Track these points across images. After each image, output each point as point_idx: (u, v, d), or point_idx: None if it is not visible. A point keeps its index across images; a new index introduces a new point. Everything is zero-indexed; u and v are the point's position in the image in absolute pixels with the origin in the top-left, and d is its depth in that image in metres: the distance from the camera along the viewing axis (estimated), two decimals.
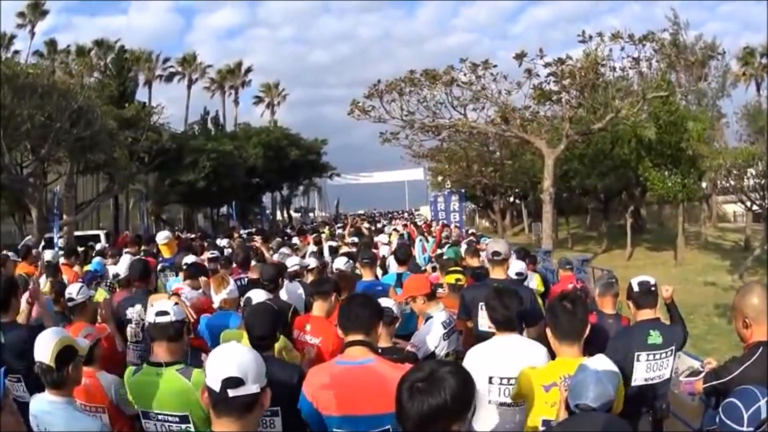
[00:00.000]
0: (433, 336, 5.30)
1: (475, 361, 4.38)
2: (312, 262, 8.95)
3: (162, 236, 11.63)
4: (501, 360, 4.34)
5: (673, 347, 4.91)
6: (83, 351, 3.83)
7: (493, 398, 4.33)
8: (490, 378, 4.31)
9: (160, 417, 3.92)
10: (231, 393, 2.60)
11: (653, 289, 5.05)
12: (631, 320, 5.88)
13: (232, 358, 2.67)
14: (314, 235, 18.32)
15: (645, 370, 4.90)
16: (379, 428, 3.65)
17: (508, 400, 4.30)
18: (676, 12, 36.29)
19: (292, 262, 8.83)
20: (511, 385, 4.26)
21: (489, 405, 4.33)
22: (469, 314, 6.13)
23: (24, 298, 5.92)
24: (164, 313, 4.01)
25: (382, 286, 7.84)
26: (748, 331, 4.05)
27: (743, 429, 3.00)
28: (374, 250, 11.04)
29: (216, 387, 2.61)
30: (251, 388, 2.63)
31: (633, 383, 4.88)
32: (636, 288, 5.02)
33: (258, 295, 5.67)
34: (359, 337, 3.86)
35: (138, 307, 6.56)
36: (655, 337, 4.89)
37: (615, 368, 3.43)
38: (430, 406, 2.46)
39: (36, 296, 6.10)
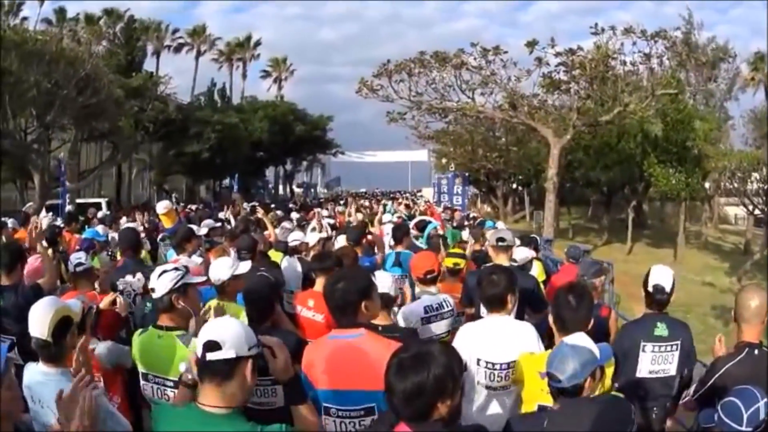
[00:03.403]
0: (412, 318, 5.27)
1: (464, 341, 4.36)
2: (312, 239, 8.95)
3: (162, 206, 11.53)
4: (490, 343, 4.30)
5: (679, 342, 4.87)
6: (77, 316, 3.81)
7: (480, 380, 4.30)
8: (478, 360, 4.29)
9: (157, 380, 3.98)
10: (209, 356, 2.75)
11: (665, 296, 4.99)
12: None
13: (214, 326, 2.87)
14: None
15: (650, 362, 4.88)
16: (366, 405, 3.62)
17: (494, 384, 4.28)
18: (691, 11, 36.23)
19: (293, 238, 8.81)
20: (496, 370, 4.25)
21: (478, 386, 4.31)
22: (470, 300, 6.06)
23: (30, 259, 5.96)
24: (152, 290, 4.11)
25: (369, 261, 7.87)
26: (737, 329, 4.12)
27: (742, 428, 3.01)
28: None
29: (199, 353, 2.79)
30: (228, 353, 2.75)
31: (638, 374, 4.87)
32: (651, 289, 4.97)
33: (244, 266, 5.61)
34: (346, 319, 3.81)
35: (128, 277, 6.51)
36: (661, 330, 4.86)
37: (591, 346, 3.40)
38: (413, 383, 2.54)
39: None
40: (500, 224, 12.00)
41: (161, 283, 4.05)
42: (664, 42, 29.21)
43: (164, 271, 4.11)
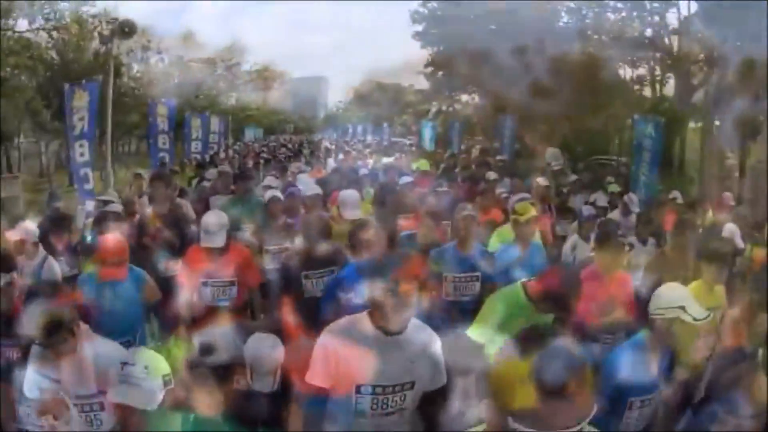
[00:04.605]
0: None
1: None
2: (298, 244, 8.92)
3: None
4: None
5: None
6: (68, 319, 3.83)
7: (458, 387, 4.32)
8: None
9: None
10: (203, 360, 2.92)
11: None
12: None
13: (209, 333, 3.15)
14: None
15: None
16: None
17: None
18: (680, 16, 36.31)
19: (275, 243, 8.79)
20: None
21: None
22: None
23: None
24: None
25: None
26: (721, 334, 4.19)
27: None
28: None
29: (194, 357, 2.97)
30: (222, 357, 2.95)
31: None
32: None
33: None
34: None
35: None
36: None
37: (575, 347, 3.43)
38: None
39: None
40: None
41: None
42: (652, 47, 29.26)
43: None
